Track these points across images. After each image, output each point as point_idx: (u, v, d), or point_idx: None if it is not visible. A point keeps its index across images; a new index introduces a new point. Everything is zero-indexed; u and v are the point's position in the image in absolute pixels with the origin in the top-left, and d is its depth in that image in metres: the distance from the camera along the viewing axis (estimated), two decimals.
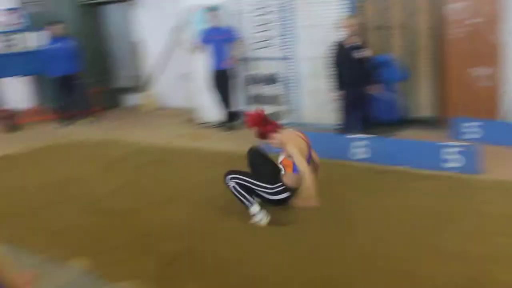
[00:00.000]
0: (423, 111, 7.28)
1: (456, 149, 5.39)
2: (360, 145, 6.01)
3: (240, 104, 8.28)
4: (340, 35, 6.53)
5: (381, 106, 7.23)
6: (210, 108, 8.21)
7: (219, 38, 7.69)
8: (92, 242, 4.22)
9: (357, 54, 6.26)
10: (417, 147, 5.71)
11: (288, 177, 4.25)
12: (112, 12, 10.04)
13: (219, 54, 7.73)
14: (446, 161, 5.44)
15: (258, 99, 8.19)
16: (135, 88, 10.32)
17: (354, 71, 6.30)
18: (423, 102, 7.26)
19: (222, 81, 7.82)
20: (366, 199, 4.74)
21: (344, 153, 6.07)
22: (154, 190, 5.43)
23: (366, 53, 6.28)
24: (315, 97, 7.62)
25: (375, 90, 6.57)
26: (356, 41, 6.29)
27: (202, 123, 8.07)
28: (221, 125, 8.05)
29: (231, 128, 7.94)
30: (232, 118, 7.99)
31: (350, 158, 6.03)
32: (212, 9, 7.55)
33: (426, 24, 6.95)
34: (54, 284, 3.36)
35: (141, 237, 4.28)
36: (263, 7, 7.73)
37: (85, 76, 9.66)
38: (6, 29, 9.17)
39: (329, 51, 6.53)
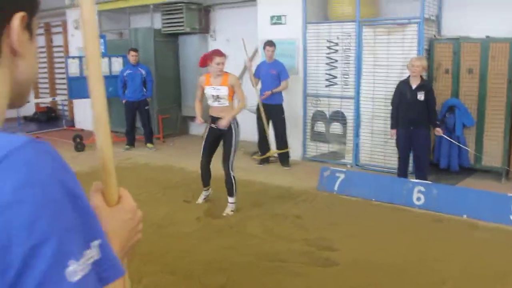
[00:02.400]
0: (492, 161, 6.89)
1: None
2: (415, 190, 5.81)
3: (301, 140, 8.25)
4: (405, 75, 6.48)
5: (446, 151, 6.98)
6: (271, 142, 8.15)
7: (270, 73, 7.73)
8: (140, 265, 4.27)
9: (417, 95, 6.14)
10: (480, 196, 5.45)
11: None
12: (188, 42, 10.38)
13: (266, 89, 7.73)
14: None
15: (321, 136, 8.11)
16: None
17: (411, 112, 6.17)
18: (492, 152, 6.87)
19: (272, 115, 7.79)
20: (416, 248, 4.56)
21: (398, 197, 5.90)
22: (206, 219, 5.47)
23: (427, 95, 6.14)
24: (375, 138, 7.51)
25: (437, 133, 6.41)
26: (419, 82, 6.17)
27: (261, 157, 8.03)
28: (279, 159, 8.00)
29: (286, 163, 7.88)
30: (286, 154, 7.92)
31: (404, 203, 5.84)
32: (269, 43, 7.63)
33: (500, 69, 6.63)
34: None
35: (188, 264, 4.30)
36: (332, 45, 7.75)
37: (154, 103, 10.02)
38: (84, 54, 9.69)
39: (394, 91, 6.46)
